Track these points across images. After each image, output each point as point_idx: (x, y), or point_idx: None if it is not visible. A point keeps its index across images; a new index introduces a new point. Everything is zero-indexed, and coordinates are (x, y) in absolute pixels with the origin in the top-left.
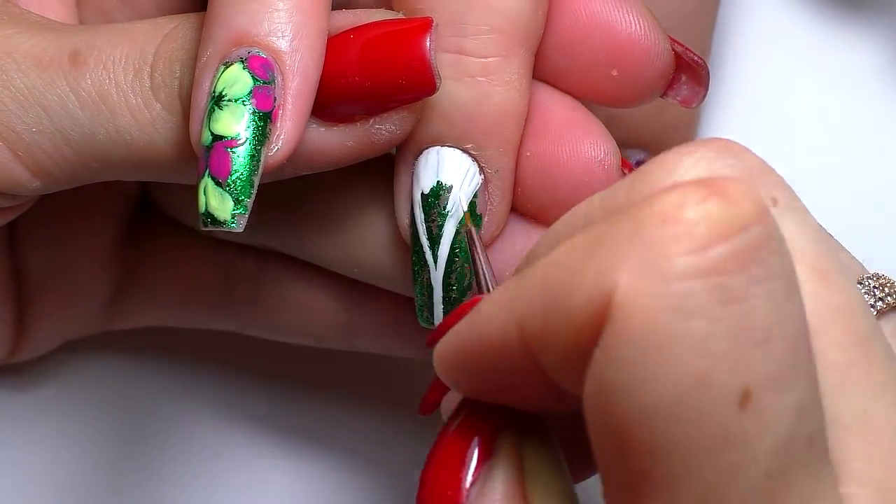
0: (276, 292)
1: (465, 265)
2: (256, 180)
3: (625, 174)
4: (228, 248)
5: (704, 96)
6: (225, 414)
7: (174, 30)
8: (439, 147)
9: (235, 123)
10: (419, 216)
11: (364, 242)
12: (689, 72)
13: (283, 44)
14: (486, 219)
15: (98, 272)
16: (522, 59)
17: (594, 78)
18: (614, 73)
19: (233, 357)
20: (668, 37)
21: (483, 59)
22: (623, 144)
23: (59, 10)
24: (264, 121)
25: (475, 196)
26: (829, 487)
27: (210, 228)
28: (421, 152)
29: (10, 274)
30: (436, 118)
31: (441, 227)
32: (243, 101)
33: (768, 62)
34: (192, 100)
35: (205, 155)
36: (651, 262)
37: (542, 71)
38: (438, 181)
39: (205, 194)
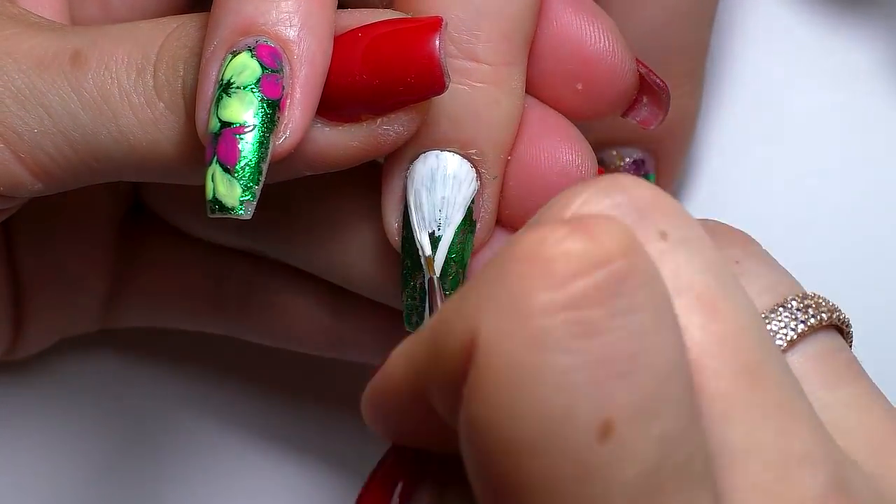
0: (266, 297)
1: (460, 270)
2: (265, 168)
3: None
4: (219, 252)
5: (663, 119)
6: (222, 413)
7: (177, 29)
8: (439, 151)
9: (244, 110)
10: (415, 219)
11: (351, 250)
12: (650, 94)
13: (290, 33)
14: (479, 225)
15: (92, 270)
16: (524, 66)
17: (558, 89)
18: (579, 86)
19: (230, 357)
20: (634, 58)
21: (493, 66)
22: (621, 143)
23: (56, 7)
24: (273, 108)
25: (472, 202)
26: None
27: (217, 216)
28: (417, 156)
29: (5, 272)
30: (442, 121)
31: (440, 232)
32: (252, 89)
33: (767, 61)
34: (199, 88)
35: (212, 142)
36: (511, 301)
37: None
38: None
39: (212, 181)
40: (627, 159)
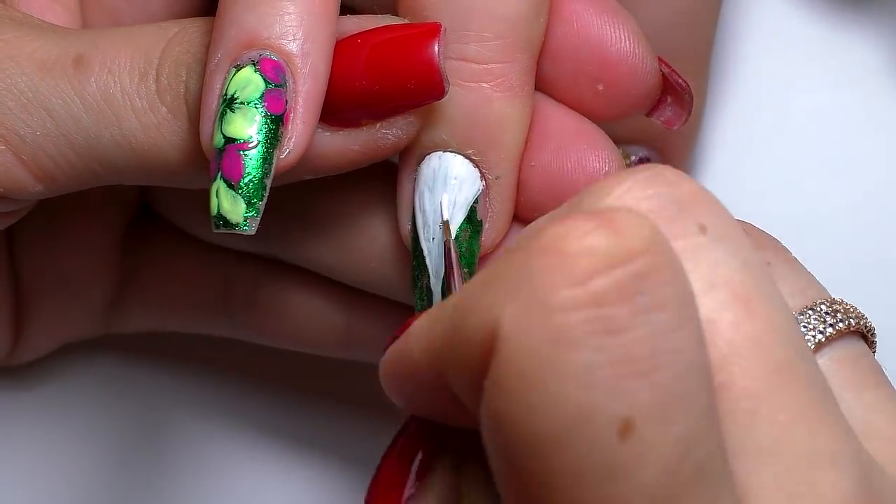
0: (276, 299)
1: (465, 270)
2: (268, 183)
3: None
4: (228, 255)
5: (686, 119)
6: (224, 416)
7: (179, 33)
8: (441, 152)
9: (248, 126)
10: (420, 221)
11: (366, 250)
12: (674, 94)
13: (294, 47)
14: (486, 225)
15: (96, 277)
16: (524, 66)
17: (580, 90)
18: (600, 87)
19: (232, 359)
20: (657, 57)
21: (485, 66)
22: (626, 142)
23: (61, 13)
24: (276, 124)
25: (476, 201)
26: None
27: (222, 231)
28: (423, 158)
29: (8, 277)
30: (438, 124)
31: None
32: (255, 105)
33: (771, 60)
34: (203, 102)
35: (217, 158)
36: (533, 294)
37: None
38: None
39: (217, 197)
40: (633, 157)
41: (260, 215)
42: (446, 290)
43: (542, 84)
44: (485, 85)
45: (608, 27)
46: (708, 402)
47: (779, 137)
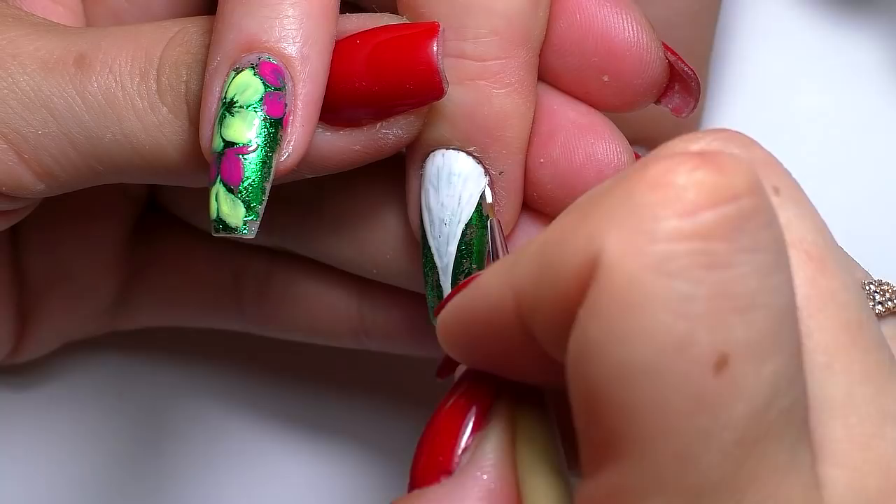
0: (287, 290)
1: (474, 266)
2: (268, 186)
3: None
4: (238, 248)
5: (695, 107)
6: (228, 413)
7: (180, 33)
8: (444, 150)
9: (247, 130)
10: (427, 218)
11: (381, 243)
12: (680, 82)
13: (293, 50)
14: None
15: (101, 274)
16: (524, 61)
17: (585, 81)
18: (606, 78)
19: (235, 356)
20: (663, 44)
21: (483, 62)
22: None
23: (64, 13)
24: (275, 127)
25: (482, 197)
26: (804, 465)
27: (222, 234)
28: (427, 156)
29: (13, 275)
30: (440, 121)
31: (449, 230)
32: (254, 108)
33: (770, 61)
34: (203, 105)
35: (216, 161)
36: (638, 224)
37: None
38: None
39: (216, 200)
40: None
41: (259, 219)
42: (493, 260)
43: (548, 77)
44: (483, 82)
45: (612, 17)
46: (798, 347)
47: (778, 137)
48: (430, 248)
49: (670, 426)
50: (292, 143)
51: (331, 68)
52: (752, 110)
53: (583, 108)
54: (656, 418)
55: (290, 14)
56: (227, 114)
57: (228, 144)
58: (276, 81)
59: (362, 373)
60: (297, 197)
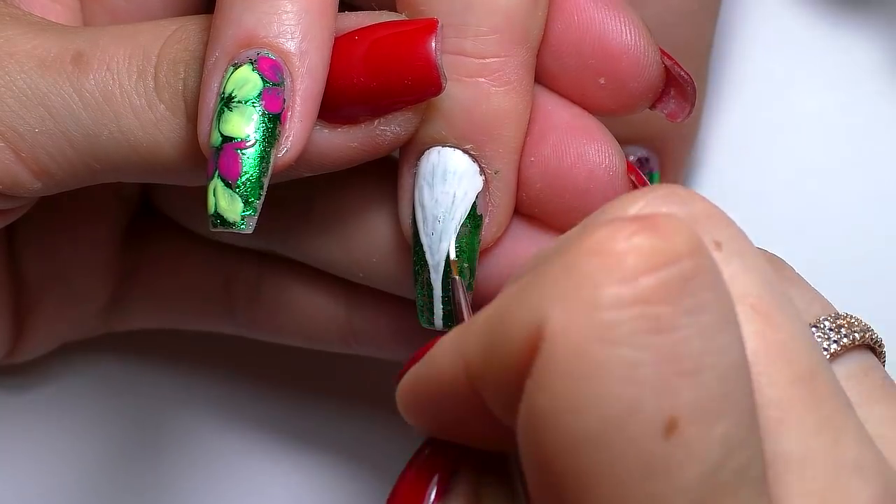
0: (277, 293)
1: (466, 265)
2: (266, 182)
3: (631, 180)
4: (229, 252)
5: (690, 112)
6: (224, 415)
7: (178, 31)
8: (440, 147)
9: (245, 125)
10: (420, 215)
11: (369, 246)
12: (676, 86)
13: (291, 45)
14: (486, 220)
15: (96, 275)
16: (523, 59)
17: (582, 83)
18: (602, 80)
19: (232, 358)
20: (660, 49)
21: (482, 60)
22: (625, 141)
23: (62, 11)
24: (274, 122)
25: (476, 196)
26: None
27: (219, 230)
28: (423, 153)
29: (9, 275)
30: (437, 119)
31: (442, 227)
32: (253, 103)
33: (769, 62)
34: (201, 100)
35: (214, 156)
36: (581, 293)
37: None
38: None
39: (214, 195)
40: (631, 157)
41: (257, 214)
42: (455, 323)
43: (544, 78)
44: (482, 79)
45: (610, 20)
46: (750, 405)
47: (778, 138)
48: (421, 246)
49: (623, 493)
50: (291, 138)
51: (329, 65)
52: (752, 110)
53: (576, 111)
54: (608, 486)
55: (288, 10)
56: (226, 109)
57: (226, 139)
58: (274, 77)
59: (363, 375)
60: (285, 199)
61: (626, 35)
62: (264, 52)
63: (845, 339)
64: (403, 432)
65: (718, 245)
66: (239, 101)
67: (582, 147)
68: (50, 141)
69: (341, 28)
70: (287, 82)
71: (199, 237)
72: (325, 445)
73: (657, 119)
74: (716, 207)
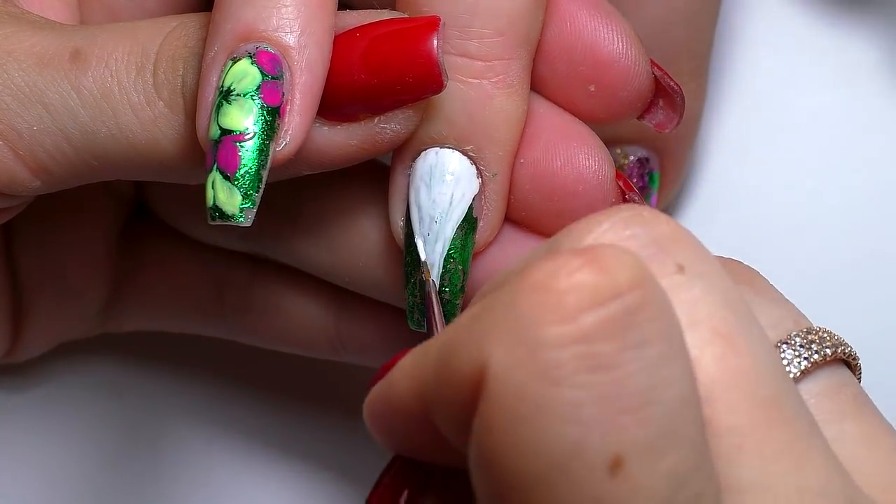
0: (267, 300)
1: (460, 267)
2: (265, 175)
3: (619, 186)
4: (221, 255)
5: (678, 123)
6: (221, 416)
7: (177, 28)
8: (438, 148)
9: (244, 118)
10: (416, 216)
11: (355, 250)
12: (665, 97)
13: (291, 39)
14: (481, 223)
15: (92, 276)
16: (524, 62)
17: (572, 89)
18: (592, 88)
19: (230, 360)
20: (650, 60)
21: (486, 62)
22: (625, 141)
23: (61, 10)
24: (272, 116)
25: (472, 199)
26: None
27: (218, 223)
28: (419, 153)
29: (5, 274)
30: (436, 119)
31: (439, 228)
32: (252, 96)
33: (769, 61)
34: (200, 94)
35: (213, 149)
36: (522, 332)
37: None
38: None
39: (213, 188)
40: (632, 157)
41: (256, 207)
42: (429, 331)
43: (535, 83)
44: (486, 82)
45: (602, 28)
46: (699, 436)
47: (777, 137)
48: (415, 247)
49: None
50: (290, 132)
51: (330, 61)
52: (751, 110)
53: (567, 116)
54: None
55: (287, 4)
56: (224, 102)
57: (225, 132)
58: (273, 70)
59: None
60: (274, 200)
61: (618, 44)
62: (263, 45)
63: (816, 356)
64: None
65: (681, 268)
66: (238, 95)
67: (571, 151)
68: (48, 139)
69: (342, 26)
70: (286, 76)
71: (193, 241)
72: (323, 448)
73: None
74: (680, 228)
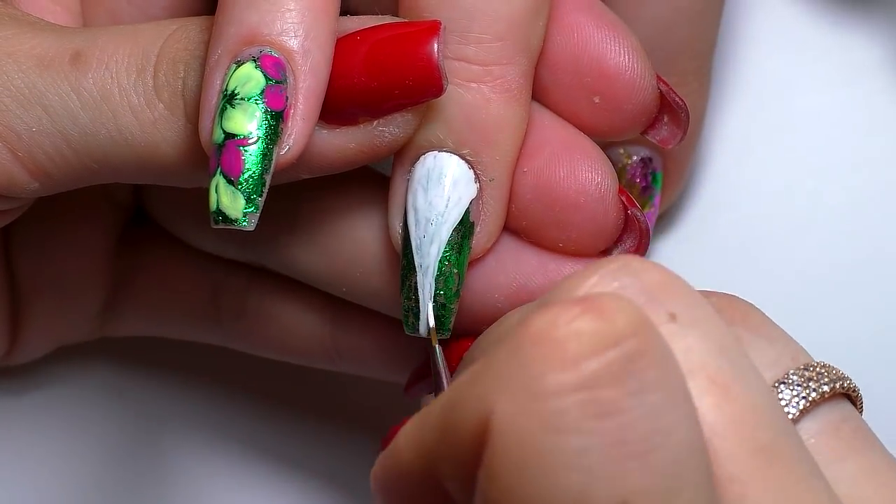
0: (263, 309)
1: (455, 270)
2: (268, 179)
3: (622, 201)
4: (219, 261)
5: (682, 139)
6: (220, 421)
7: (178, 31)
8: (437, 152)
9: (248, 122)
10: (412, 218)
11: (353, 259)
12: (670, 112)
13: (294, 43)
14: (478, 228)
15: (90, 280)
16: (524, 69)
17: (576, 100)
18: (596, 99)
19: (230, 365)
20: (656, 75)
21: (485, 67)
22: (629, 141)
23: (62, 13)
24: (276, 120)
25: (470, 204)
26: None
27: (221, 227)
28: (418, 157)
29: (3, 277)
30: (435, 123)
31: (434, 230)
32: (255, 100)
33: (772, 61)
34: (203, 97)
35: (216, 153)
36: (525, 383)
37: None
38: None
39: (216, 192)
40: (635, 157)
41: (259, 211)
42: (435, 392)
43: (539, 94)
44: (484, 86)
45: (608, 40)
46: (706, 480)
47: (780, 137)
48: (410, 250)
49: None
50: (293, 136)
51: (331, 64)
52: (754, 110)
53: (571, 129)
54: None
55: (291, 8)
56: (228, 106)
57: (229, 136)
58: (277, 74)
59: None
60: (270, 209)
61: (624, 56)
62: (267, 49)
63: (814, 394)
64: None
65: (673, 317)
66: (242, 98)
67: (575, 163)
68: (47, 140)
69: (343, 30)
70: (290, 80)
71: (190, 247)
72: (319, 455)
73: None
74: (671, 276)
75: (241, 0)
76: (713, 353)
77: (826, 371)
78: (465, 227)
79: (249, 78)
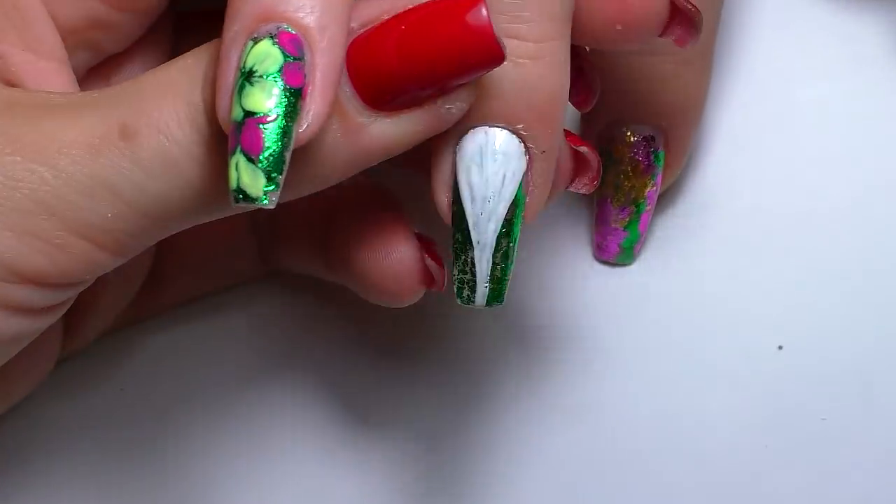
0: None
1: (512, 244)
2: (288, 156)
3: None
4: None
5: (697, 38)
6: (230, 411)
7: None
8: (488, 127)
9: (267, 99)
10: (468, 195)
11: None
12: (682, 17)
13: (311, 20)
14: (528, 199)
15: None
16: (567, 40)
17: (596, 28)
18: (618, 27)
19: (233, 360)
20: None
21: (539, 44)
22: (631, 120)
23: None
24: (295, 97)
25: (522, 177)
26: None
27: (242, 205)
28: (467, 132)
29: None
30: (488, 98)
31: (492, 207)
32: (274, 78)
33: (773, 51)
34: (219, 74)
35: (236, 131)
36: None
37: None
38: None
39: (237, 170)
40: (637, 136)
41: (280, 189)
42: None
43: None
44: (540, 62)
45: None
46: None
47: (781, 127)
48: (466, 225)
49: None
50: (311, 113)
51: (382, 55)
52: (755, 100)
53: None
54: None
55: None
56: (247, 83)
57: (248, 114)
58: (295, 51)
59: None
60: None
61: None
62: (284, 26)
63: None
64: (410, 437)
65: None
66: (260, 76)
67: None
68: (123, 221)
69: (377, 16)
70: (307, 56)
71: None
72: (335, 442)
73: (663, 100)
74: None
75: None
76: None
77: None
78: (516, 202)
79: (267, 55)
